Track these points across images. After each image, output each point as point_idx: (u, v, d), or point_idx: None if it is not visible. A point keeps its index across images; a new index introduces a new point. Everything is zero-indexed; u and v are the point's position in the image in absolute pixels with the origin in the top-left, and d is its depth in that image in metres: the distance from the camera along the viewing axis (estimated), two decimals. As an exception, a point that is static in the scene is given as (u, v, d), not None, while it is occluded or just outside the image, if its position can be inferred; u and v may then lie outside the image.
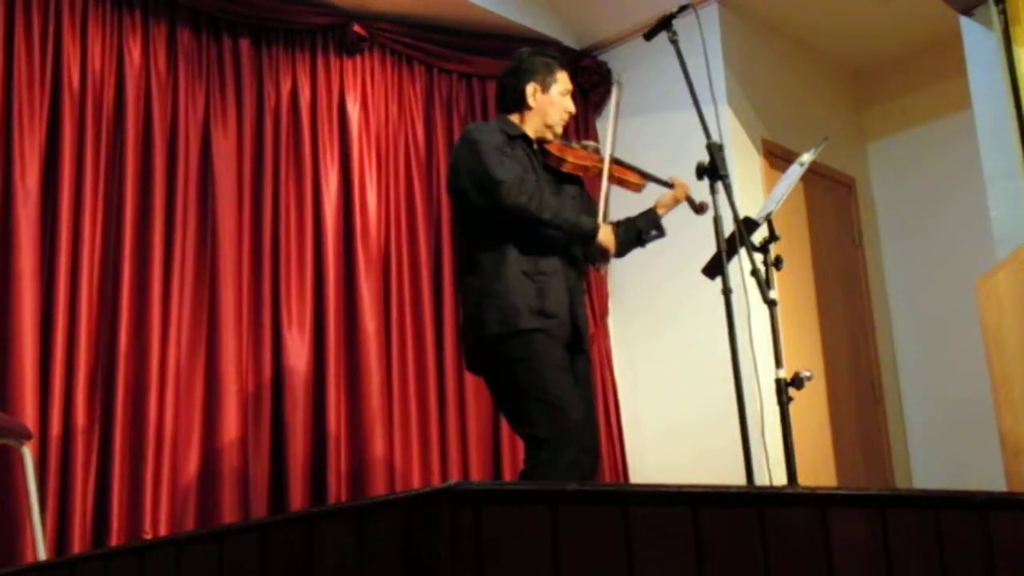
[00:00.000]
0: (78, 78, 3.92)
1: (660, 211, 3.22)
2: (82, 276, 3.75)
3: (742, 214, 2.79)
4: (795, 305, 4.99)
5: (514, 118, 3.14)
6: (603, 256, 3.10)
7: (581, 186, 3.22)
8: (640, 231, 3.22)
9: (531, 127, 3.13)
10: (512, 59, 3.21)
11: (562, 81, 3.16)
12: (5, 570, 3.06)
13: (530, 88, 3.12)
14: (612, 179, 3.08)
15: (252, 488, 3.96)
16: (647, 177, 3.20)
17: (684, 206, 3.24)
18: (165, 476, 3.76)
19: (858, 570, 1.68)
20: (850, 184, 5.69)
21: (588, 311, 3.34)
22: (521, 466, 3.00)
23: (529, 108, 3.12)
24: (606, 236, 3.01)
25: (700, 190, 2.91)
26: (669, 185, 3.22)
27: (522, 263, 2.93)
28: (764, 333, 2.79)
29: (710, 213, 2.82)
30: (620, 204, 3.34)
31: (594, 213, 3.31)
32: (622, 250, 3.25)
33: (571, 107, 3.18)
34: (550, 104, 3.12)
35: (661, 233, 3.24)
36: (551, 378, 2.84)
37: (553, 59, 3.19)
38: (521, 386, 2.85)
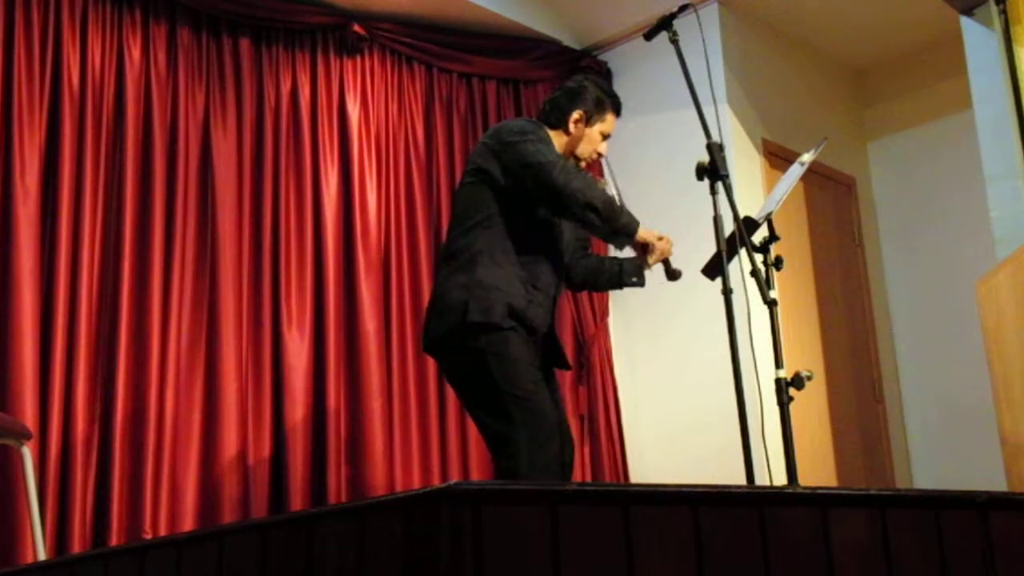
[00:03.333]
0: (78, 78, 3.92)
1: (648, 260, 3.19)
2: (82, 276, 3.75)
3: (742, 214, 2.79)
4: (795, 305, 4.99)
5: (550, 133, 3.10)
6: (643, 252, 3.00)
7: None
8: (622, 274, 3.23)
9: (561, 150, 3.08)
10: (573, 79, 3.20)
11: (608, 123, 3.13)
12: (5, 570, 3.06)
13: (576, 114, 3.09)
14: None
15: (252, 488, 3.95)
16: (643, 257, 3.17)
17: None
18: (165, 476, 3.76)
19: (858, 570, 1.68)
20: (850, 184, 5.69)
21: (588, 314, 3.27)
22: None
23: (567, 132, 3.09)
24: (645, 232, 2.96)
25: (700, 190, 2.91)
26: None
27: (521, 272, 2.92)
28: (764, 333, 2.79)
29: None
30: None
31: (583, 238, 3.33)
32: (601, 284, 3.30)
33: (604, 150, 3.14)
34: (587, 140, 3.10)
35: (641, 282, 3.24)
36: (528, 376, 2.83)
37: (610, 98, 3.15)
38: (498, 384, 2.82)
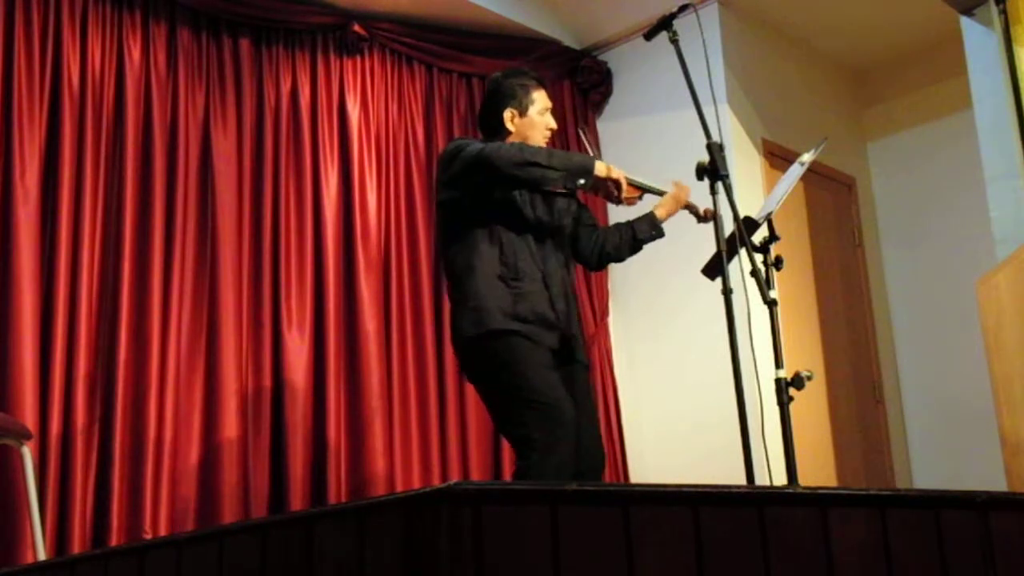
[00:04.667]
0: (78, 78, 3.92)
1: (659, 212, 3.20)
2: (82, 276, 3.75)
3: (742, 214, 2.78)
4: (795, 305, 4.99)
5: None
6: (616, 188, 2.97)
7: (572, 196, 3.21)
8: (635, 230, 3.21)
9: None
10: (488, 83, 3.21)
11: (540, 100, 3.14)
12: (5, 570, 3.06)
13: (507, 114, 3.10)
14: (597, 194, 3.05)
15: (252, 488, 3.95)
16: (642, 189, 3.14)
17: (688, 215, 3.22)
18: (165, 476, 3.76)
19: (858, 570, 1.68)
20: (850, 184, 5.69)
21: (581, 318, 3.29)
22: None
23: (509, 132, 3.10)
24: (604, 167, 2.94)
25: (700, 190, 2.91)
26: (661, 193, 3.19)
27: (498, 268, 2.93)
28: (764, 333, 2.78)
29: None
30: (617, 213, 3.33)
31: (586, 217, 3.31)
32: (618, 253, 3.25)
33: (552, 124, 3.15)
34: (530, 127, 3.11)
35: (659, 234, 3.22)
36: (537, 378, 2.83)
37: (529, 80, 3.16)
38: (508, 390, 2.86)
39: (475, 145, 2.95)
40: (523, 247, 2.99)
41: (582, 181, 2.91)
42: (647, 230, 3.21)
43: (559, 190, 3.07)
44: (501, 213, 3.00)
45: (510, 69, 3.26)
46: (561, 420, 2.77)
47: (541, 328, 2.92)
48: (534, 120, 3.12)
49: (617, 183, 2.98)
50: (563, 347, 2.98)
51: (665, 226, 3.25)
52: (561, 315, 3.00)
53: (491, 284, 2.91)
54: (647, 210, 3.23)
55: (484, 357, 2.91)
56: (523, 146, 2.94)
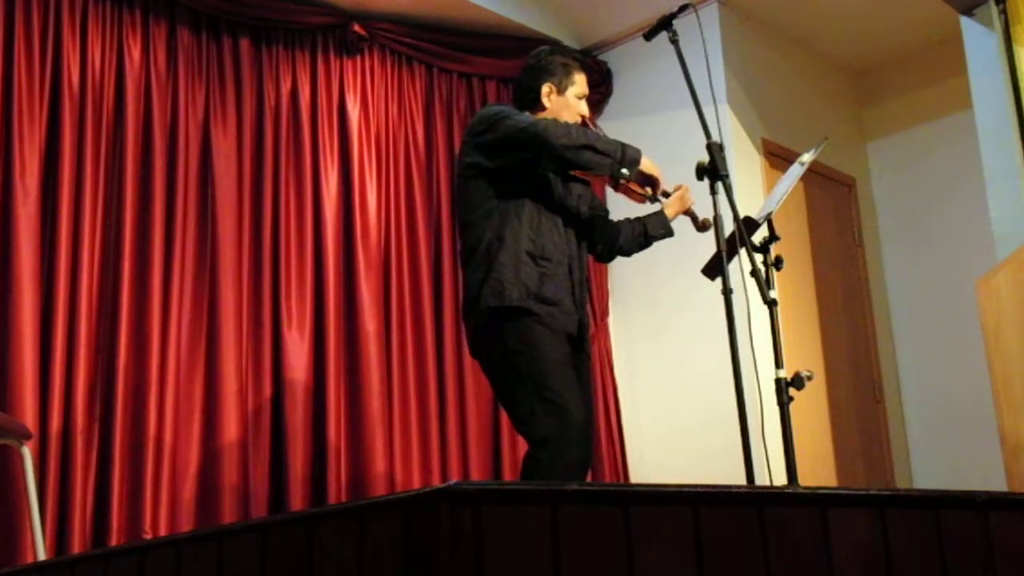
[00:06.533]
0: (78, 78, 3.92)
1: (668, 212, 3.20)
2: (82, 276, 3.75)
3: (742, 214, 2.79)
4: (795, 305, 4.99)
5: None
6: (650, 186, 3.00)
7: (586, 184, 3.21)
8: (646, 227, 3.21)
9: None
10: (531, 56, 3.18)
11: (579, 84, 3.14)
12: (5, 570, 3.06)
13: (545, 88, 3.10)
14: (619, 187, 3.06)
15: (252, 488, 3.95)
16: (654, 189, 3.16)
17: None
18: (165, 476, 3.76)
19: (858, 570, 1.68)
20: (850, 184, 5.69)
21: (589, 310, 3.29)
22: (520, 464, 2.96)
23: (543, 108, 3.09)
24: (648, 161, 2.95)
25: (700, 190, 2.91)
26: (667, 194, 3.18)
27: (529, 246, 2.89)
28: (764, 333, 2.78)
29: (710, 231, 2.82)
30: (623, 211, 3.35)
31: (600, 208, 3.31)
32: (628, 248, 3.25)
33: (585, 111, 3.14)
34: (565, 107, 3.10)
35: (669, 232, 3.23)
36: (555, 374, 2.79)
37: (574, 61, 3.16)
38: (523, 381, 2.80)
39: (523, 116, 2.92)
40: (551, 227, 2.96)
41: (626, 172, 2.88)
42: (658, 228, 3.21)
43: (586, 178, 3.05)
44: (533, 190, 2.96)
45: (557, 47, 3.24)
46: (570, 420, 2.73)
47: (561, 313, 2.89)
48: (569, 101, 3.11)
49: (653, 180, 2.98)
50: (578, 334, 2.96)
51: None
52: (579, 301, 2.99)
53: (520, 259, 2.87)
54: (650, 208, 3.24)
55: (500, 335, 2.85)
56: (575, 127, 2.92)
